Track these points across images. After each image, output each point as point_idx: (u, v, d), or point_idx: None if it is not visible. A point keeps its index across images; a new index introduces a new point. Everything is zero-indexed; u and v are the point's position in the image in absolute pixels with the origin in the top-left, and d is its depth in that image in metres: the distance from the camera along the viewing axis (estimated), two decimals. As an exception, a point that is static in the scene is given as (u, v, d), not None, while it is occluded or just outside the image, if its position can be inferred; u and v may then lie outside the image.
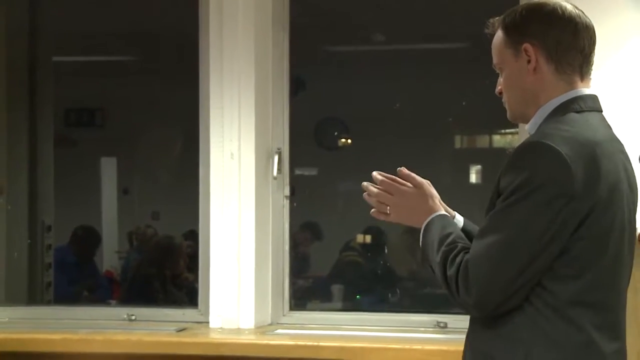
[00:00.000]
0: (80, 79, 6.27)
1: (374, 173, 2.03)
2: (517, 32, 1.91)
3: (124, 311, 3.96)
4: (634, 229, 1.92)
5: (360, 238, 5.47)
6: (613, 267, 1.85)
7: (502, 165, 1.85)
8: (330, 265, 5.45)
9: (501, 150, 6.59)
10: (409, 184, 2.01)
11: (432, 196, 1.99)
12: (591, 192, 1.78)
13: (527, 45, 1.89)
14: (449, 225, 1.94)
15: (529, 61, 1.90)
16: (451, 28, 5.24)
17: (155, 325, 3.81)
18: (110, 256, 6.30)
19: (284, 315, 3.88)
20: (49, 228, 4.64)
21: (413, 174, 2.02)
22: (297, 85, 4.29)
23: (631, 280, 1.99)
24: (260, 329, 3.75)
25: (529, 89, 1.91)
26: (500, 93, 1.98)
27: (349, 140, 6.20)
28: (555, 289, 1.79)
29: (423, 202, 1.98)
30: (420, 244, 1.95)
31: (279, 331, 3.72)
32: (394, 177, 2.02)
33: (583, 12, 1.95)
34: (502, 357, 1.82)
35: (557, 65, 1.89)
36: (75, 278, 5.24)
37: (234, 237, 3.78)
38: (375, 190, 2.02)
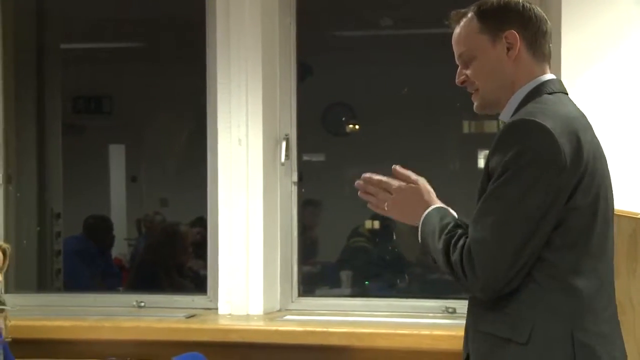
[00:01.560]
0: (87, 66, 6.27)
1: (365, 175, 2.07)
2: (497, 19, 1.96)
3: (133, 298, 3.97)
4: (612, 199, 1.97)
5: (368, 224, 5.46)
6: (602, 235, 1.91)
7: (490, 147, 1.88)
8: (339, 251, 5.44)
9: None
10: (403, 182, 2.04)
11: (428, 192, 2.03)
12: (578, 162, 1.83)
13: (511, 32, 1.94)
14: (446, 215, 1.97)
15: (508, 47, 1.95)
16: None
17: (164, 312, 3.82)
18: (119, 243, 6.30)
19: (292, 302, 3.89)
20: (58, 215, 4.65)
21: (408, 172, 2.06)
22: (304, 71, 4.27)
23: (628, 296, 2.06)
24: (269, 315, 3.76)
25: (507, 75, 1.96)
26: (463, 83, 2.02)
27: (357, 126, 6.18)
28: (555, 260, 1.84)
29: (419, 197, 2.02)
30: (420, 236, 1.99)
31: (288, 317, 3.73)
32: (386, 177, 2.06)
33: None
34: (509, 334, 1.85)
35: (534, 53, 1.97)
36: (90, 266, 5.26)
37: (242, 224, 3.78)
38: (372, 189, 2.06)
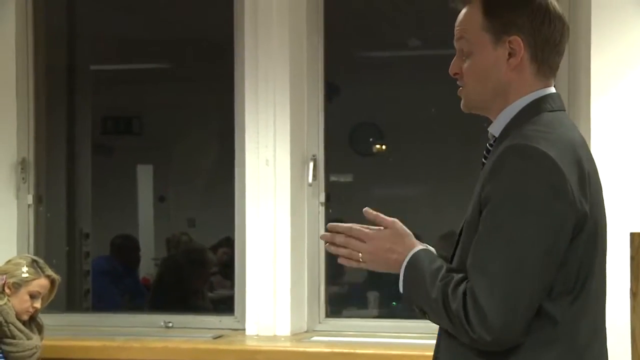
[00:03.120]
0: (117, 86, 6.32)
1: (331, 225, 1.81)
2: (504, 19, 1.72)
3: (160, 318, 3.97)
4: (605, 229, 1.77)
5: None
6: (600, 277, 1.74)
7: (484, 171, 1.70)
8: (366, 272, 5.42)
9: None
10: (376, 227, 1.78)
11: (407, 234, 1.77)
12: (584, 196, 1.65)
13: (516, 39, 1.71)
14: (435, 258, 1.73)
15: (510, 54, 1.72)
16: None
17: (192, 333, 3.82)
18: (147, 263, 6.33)
19: (320, 323, 3.87)
20: (87, 236, 4.68)
21: (381, 215, 1.79)
22: (331, 91, 4.28)
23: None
24: (297, 336, 3.74)
25: (502, 83, 1.73)
26: (455, 75, 1.79)
27: (384, 146, 6.17)
28: (553, 310, 1.65)
29: (399, 241, 1.75)
30: (402, 284, 1.73)
31: (315, 338, 3.71)
32: (356, 225, 1.80)
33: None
34: None
35: (539, 66, 1.74)
36: (118, 286, 5.28)
37: (269, 244, 3.78)
38: (342, 239, 1.78)
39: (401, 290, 1.75)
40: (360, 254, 1.78)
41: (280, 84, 3.78)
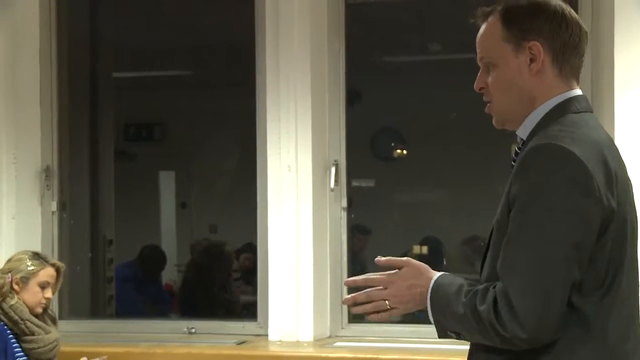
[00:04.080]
0: (138, 93, 6.36)
1: (348, 281, 1.83)
2: (522, 27, 1.77)
3: (184, 324, 3.99)
4: (637, 228, 1.80)
5: (416, 249, 5.43)
6: (631, 273, 1.75)
7: (512, 172, 1.73)
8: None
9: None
10: (392, 271, 1.79)
11: (423, 268, 1.78)
12: (611, 193, 1.67)
13: (535, 44, 1.76)
14: (454, 278, 1.74)
15: (531, 59, 1.76)
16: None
17: (215, 338, 3.83)
18: (169, 269, 6.35)
19: (342, 328, 3.87)
20: (110, 242, 4.70)
21: (392, 258, 1.80)
22: (352, 96, 4.28)
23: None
24: (319, 341, 3.74)
25: (527, 89, 1.78)
26: (481, 90, 1.84)
27: (404, 151, 6.17)
28: (584, 306, 1.66)
29: (418, 276, 1.76)
30: (432, 314, 1.75)
31: (338, 344, 3.71)
32: (371, 274, 1.81)
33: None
34: None
35: (561, 68, 1.78)
36: (141, 293, 5.31)
37: (292, 250, 3.78)
38: (363, 297, 1.79)
39: (432, 319, 1.76)
40: (386, 302, 1.78)
41: (302, 89, 3.79)
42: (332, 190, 3.86)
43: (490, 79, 1.81)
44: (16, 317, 3.19)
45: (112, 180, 4.82)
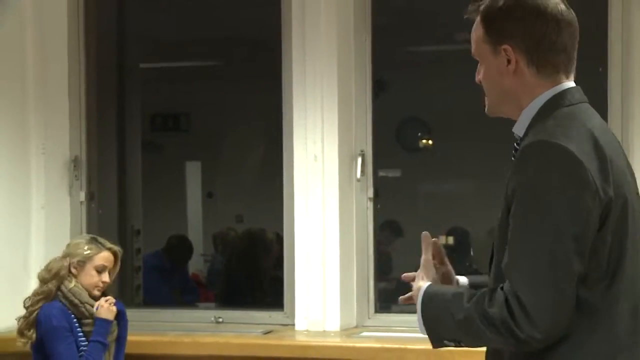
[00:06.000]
0: (165, 84, 6.38)
1: (406, 275, 1.97)
2: (495, 30, 1.80)
3: (211, 314, 4.01)
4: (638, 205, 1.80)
5: (443, 239, 5.42)
6: (634, 264, 1.74)
7: (508, 172, 1.75)
8: (415, 267, 5.40)
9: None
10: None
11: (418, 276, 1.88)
12: (607, 183, 1.68)
13: (506, 47, 1.78)
14: (446, 287, 1.83)
15: (508, 61, 1.79)
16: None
17: (241, 328, 3.86)
18: (196, 259, 6.39)
19: (369, 318, 3.87)
20: (138, 232, 4.74)
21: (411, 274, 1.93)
22: (378, 86, 4.28)
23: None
24: (346, 331, 3.75)
25: (509, 89, 1.81)
26: (480, 82, 1.89)
27: (430, 141, 6.15)
28: (590, 297, 1.67)
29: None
30: (421, 324, 1.76)
31: (365, 334, 3.72)
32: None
33: (566, 5, 1.82)
34: None
35: (539, 67, 1.78)
36: (169, 282, 5.35)
37: (318, 240, 3.79)
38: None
39: (424, 331, 1.76)
40: None
41: (328, 80, 3.79)
42: (358, 180, 3.87)
43: (479, 75, 1.87)
44: (76, 300, 3.22)
45: (139, 170, 4.85)
